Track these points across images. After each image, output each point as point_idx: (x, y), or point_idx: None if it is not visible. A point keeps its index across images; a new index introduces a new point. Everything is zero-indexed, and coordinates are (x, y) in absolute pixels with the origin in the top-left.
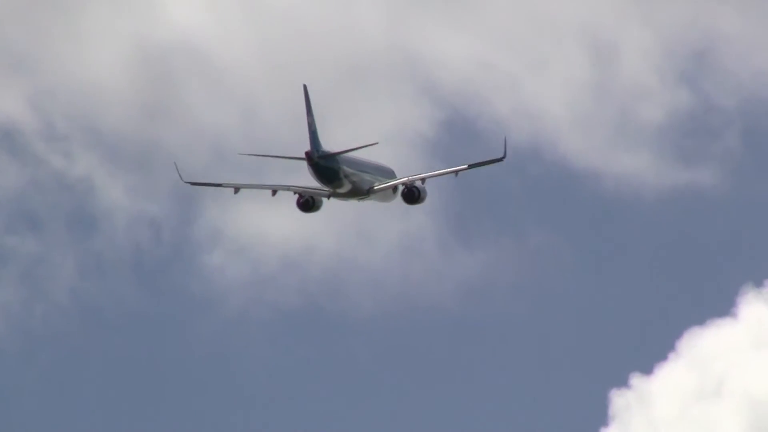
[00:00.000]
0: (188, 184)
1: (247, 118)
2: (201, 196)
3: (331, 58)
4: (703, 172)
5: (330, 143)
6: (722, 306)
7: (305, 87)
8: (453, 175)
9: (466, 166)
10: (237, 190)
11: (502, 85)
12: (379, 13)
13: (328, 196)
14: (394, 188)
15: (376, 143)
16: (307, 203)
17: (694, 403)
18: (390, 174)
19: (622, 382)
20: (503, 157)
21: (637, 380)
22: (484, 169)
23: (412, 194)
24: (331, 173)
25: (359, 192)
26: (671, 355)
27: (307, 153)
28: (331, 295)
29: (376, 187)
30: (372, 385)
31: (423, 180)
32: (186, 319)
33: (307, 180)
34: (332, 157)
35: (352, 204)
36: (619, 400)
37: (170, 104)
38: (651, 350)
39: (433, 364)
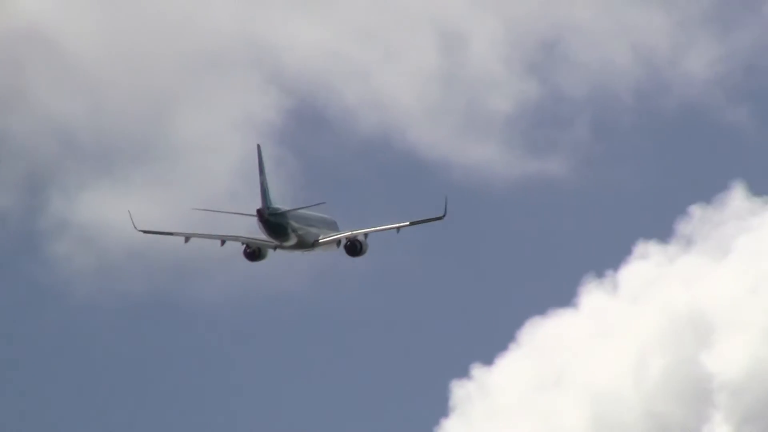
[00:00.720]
0: (141, 232)
1: (95, 108)
2: (46, 186)
3: (180, 46)
4: (552, 162)
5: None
6: (563, 296)
7: (259, 147)
8: (395, 231)
9: (407, 222)
10: (187, 239)
11: (351, 74)
12: (228, 2)
13: (275, 248)
14: (338, 241)
15: (324, 203)
16: (254, 253)
17: (534, 393)
18: (333, 225)
19: (463, 373)
20: (444, 216)
21: (477, 371)
22: (331, 158)
23: (355, 248)
24: (281, 228)
25: (305, 245)
26: (512, 346)
27: (258, 210)
28: (179, 284)
29: (320, 240)
30: (220, 371)
31: (366, 234)
32: (32, 309)
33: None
34: (282, 213)
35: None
36: (460, 391)
37: (17, 93)
38: (491, 340)
39: (279, 352)
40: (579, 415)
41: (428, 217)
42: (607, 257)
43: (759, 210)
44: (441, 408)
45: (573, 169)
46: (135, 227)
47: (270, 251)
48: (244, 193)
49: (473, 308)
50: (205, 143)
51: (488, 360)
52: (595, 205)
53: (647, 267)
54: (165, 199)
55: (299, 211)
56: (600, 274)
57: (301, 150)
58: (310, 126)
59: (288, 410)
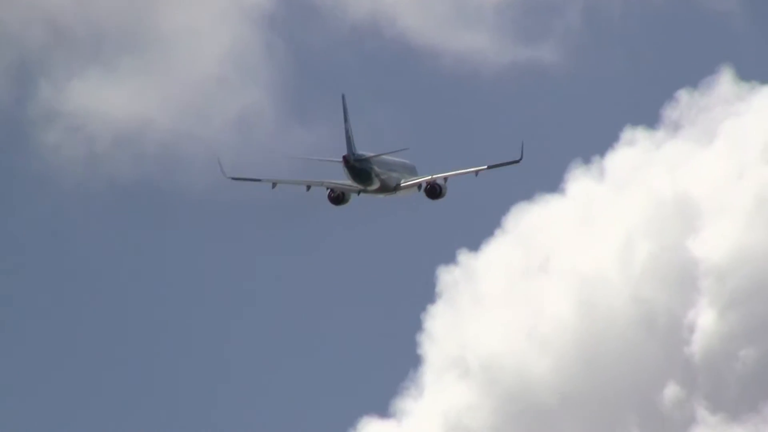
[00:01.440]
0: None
1: None
2: (35, 74)
3: None
4: (542, 49)
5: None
6: (550, 182)
7: (343, 96)
8: (473, 174)
9: (485, 166)
10: (275, 184)
11: None
12: None
13: (359, 192)
14: (419, 185)
15: (407, 148)
16: (338, 198)
17: (520, 279)
18: (413, 169)
19: (450, 259)
20: (520, 159)
21: (464, 257)
22: (321, 45)
23: (434, 191)
24: (365, 174)
25: (387, 189)
26: (498, 232)
27: (344, 157)
28: (168, 171)
29: (402, 184)
30: (201, 258)
31: (445, 178)
32: (23, 197)
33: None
34: (366, 159)
35: None
36: (446, 277)
37: None
38: (478, 227)
39: (267, 236)
40: (565, 300)
41: (505, 161)
42: (594, 143)
43: (746, 95)
44: (428, 294)
45: (563, 56)
46: (224, 174)
47: (353, 195)
48: (234, 79)
49: (460, 195)
50: (194, 29)
51: (475, 246)
52: (583, 91)
53: (634, 153)
54: (154, 86)
55: (381, 156)
56: (587, 160)
57: (290, 36)
58: (299, 12)
59: (266, 295)
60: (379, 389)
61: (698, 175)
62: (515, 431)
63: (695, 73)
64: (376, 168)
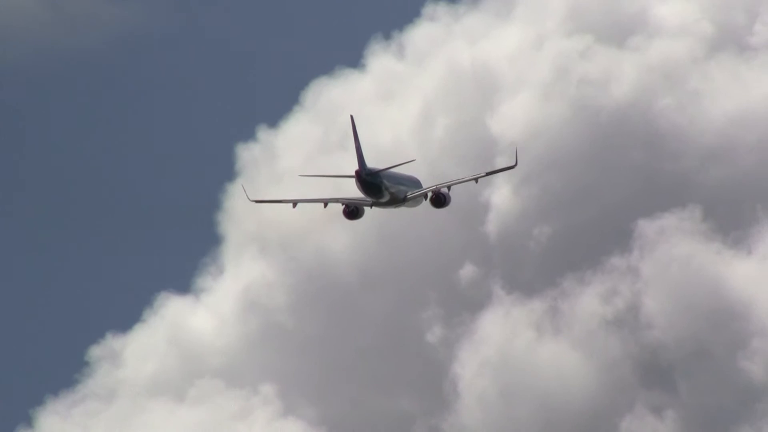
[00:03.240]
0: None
1: None
2: None
3: None
4: None
5: None
6: (350, 58)
7: (352, 117)
8: (474, 181)
9: (484, 173)
10: (295, 204)
11: None
12: None
13: (371, 206)
14: (425, 195)
15: (413, 160)
16: (353, 212)
17: (319, 155)
18: (417, 183)
19: (249, 136)
20: (515, 165)
21: (263, 133)
22: None
23: (439, 200)
24: (376, 187)
25: (396, 200)
26: (296, 108)
27: (356, 171)
28: None
29: (409, 195)
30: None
31: (448, 187)
32: None
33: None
34: (376, 174)
35: None
36: (246, 154)
37: None
38: (277, 102)
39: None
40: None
41: (502, 167)
42: (394, 18)
43: None
44: (227, 172)
45: None
46: (248, 198)
47: (366, 209)
48: None
49: (262, 71)
50: None
51: (273, 123)
52: None
53: (434, 28)
54: None
55: (389, 170)
56: (387, 36)
57: None
58: None
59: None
60: (178, 267)
61: (497, 48)
62: (315, 309)
63: None
64: (385, 181)
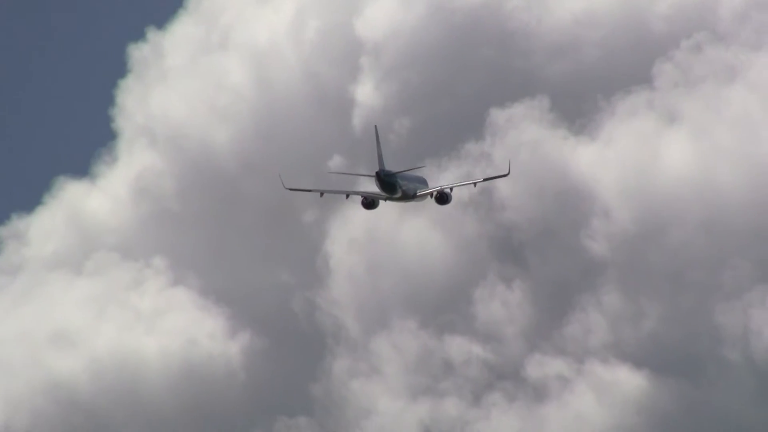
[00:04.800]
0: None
1: None
2: None
3: None
4: None
5: None
6: None
7: (376, 127)
8: (472, 185)
9: (482, 179)
10: (322, 194)
11: None
12: None
13: (385, 199)
14: (431, 194)
15: (424, 166)
16: (370, 204)
17: (203, 55)
18: (424, 181)
19: (138, 36)
20: (508, 174)
21: (152, 34)
22: None
23: (443, 198)
24: (392, 186)
25: (407, 197)
26: (181, 11)
27: (377, 172)
28: None
29: (418, 193)
30: None
31: (451, 188)
32: None
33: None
34: (393, 174)
35: None
36: (136, 53)
37: None
38: (164, 4)
39: None
40: (243, 74)
41: (497, 175)
42: None
43: None
44: (119, 70)
45: None
46: (284, 185)
47: (381, 202)
48: None
49: None
50: None
51: (161, 24)
52: None
53: None
54: None
55: (404, 172)
56: None
57: None
58: None
59: None
60: (75, 154)
61: None
62: (201, 193)
63: None
64: (400, 181)
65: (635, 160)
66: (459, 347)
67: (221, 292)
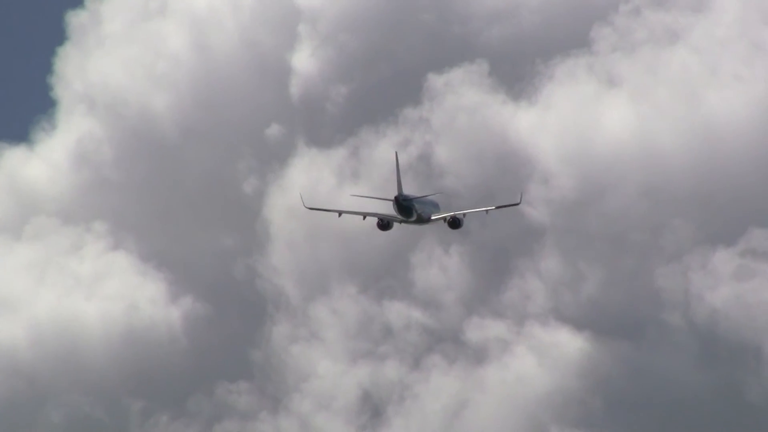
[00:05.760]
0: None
1: None
2: None
3: None
4: None
5: None
6: None
7: (396, 153)
8: (484, 212)
9: (494, 207)
10: (340, 214)
11: None
12: None
13: (400, 222)
14: (444, 219)
15: (442, 192)
16: (385, 225)
17: (142, 21)
18: (437, 206)
19: (76, 3)
20: (519, 203)
21: (89, 1)
22: None
23: (455, 223)
24: (408, 210)
25: (421, 221)
26: None
27: (395, 197)
28: None
29: (432, 218)
30: None
31: (464, 214)
32: None
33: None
34: (410, 200)
35: None
36: (74, 20)
37: None
38: None
39: None
40: (182, 40)
41: (508, 203)
42: None
43: None
44: (57, 37)
45: None
46: (304, 205)
47: (396, 224)
48: None
49: None
50: None
51: None
52: None
53: None
54: None
55: (420, 198)
56: None
57: None
58: None
59: None
60: (14, 122)
61: None
62: (140, 162)
63: None
64: (416, 205)
65: (575, 124)
66: (398, 312)
67: (162, 257)
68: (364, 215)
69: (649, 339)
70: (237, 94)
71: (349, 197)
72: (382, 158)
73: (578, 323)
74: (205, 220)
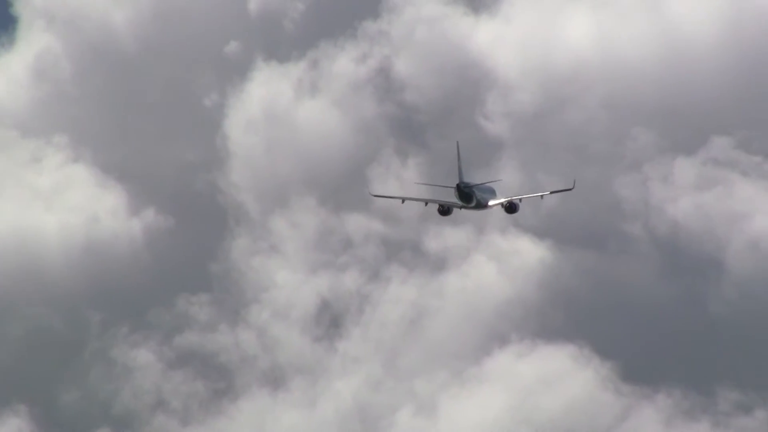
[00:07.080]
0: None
1: None
2: None
3: None
4: None
5: None
6: None
7: (458, 143)
8: (539, 197)
9: (548, 192)
10: (403, 201)
11: None
12: None
13: (460, 208)
14: (502, 204)
15: (500, 180)
16: (446, 211)
17: None
18: (495, 192)
19: None
20: (572, 188)
21: None
22: None
23: (512, 208)
24: (469, 197)
25: (480, 206)
26: None
27: (457, 184)
28: None
29: (490, 203)
30: None
31: (520, 199)
32: None
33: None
34: (471, 186)
35: None
36: None
37: None
38: None
39: None
40: None
41: (563, 188)
42: None
43: None
44: None
45: None
46: (370, 193)
47: (456, 210)
48: None
49: None
50: None
51: None
52: None
53: None
54: None
55: (480, 184)
56: None
57: None
58: None
59: None
60: None
61: None
62: (99, 76)
63: None
64: (476, 192)
65: (535, 36)
66: (357, 223)
67: (123, 169)
68: (426, 201)
69: (610, 249)
70: (195, 10)
71: (413, 184)
72: (341, 72)
73: (539, 233)
74: (166, 133)
